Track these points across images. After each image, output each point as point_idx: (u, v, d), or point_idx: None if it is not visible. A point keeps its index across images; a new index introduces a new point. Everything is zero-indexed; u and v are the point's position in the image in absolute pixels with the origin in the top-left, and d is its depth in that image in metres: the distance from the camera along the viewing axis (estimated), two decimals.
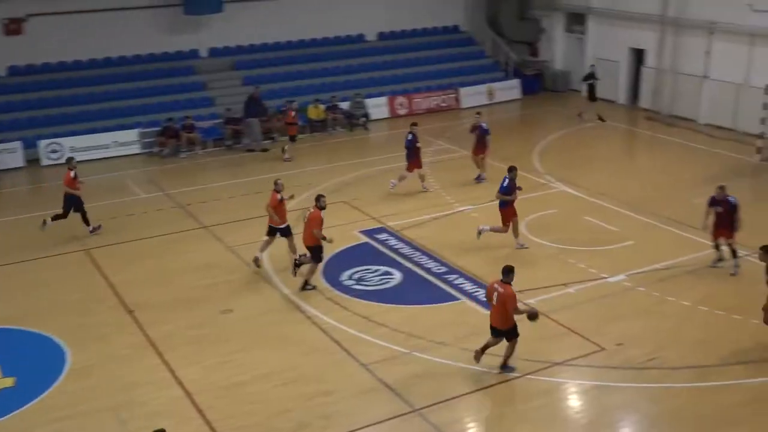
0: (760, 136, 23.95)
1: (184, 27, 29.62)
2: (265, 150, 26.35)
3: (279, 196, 16.80)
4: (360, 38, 33.32)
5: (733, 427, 11.62)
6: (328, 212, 15.51)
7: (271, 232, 16.94)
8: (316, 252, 16.00)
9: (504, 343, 12.88)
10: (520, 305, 12.77)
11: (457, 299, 15.56)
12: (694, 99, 28.43)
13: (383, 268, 16.99)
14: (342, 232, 18.65)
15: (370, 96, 30.17)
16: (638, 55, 30.88)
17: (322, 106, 28.58)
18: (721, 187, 16.32)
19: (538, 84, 34.33)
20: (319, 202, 15.90)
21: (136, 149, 26.43)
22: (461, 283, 16.18)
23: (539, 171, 22.91)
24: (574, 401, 12.55)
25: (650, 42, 29.88)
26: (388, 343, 13.93)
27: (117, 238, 19.02)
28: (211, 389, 12.75)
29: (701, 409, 12.00)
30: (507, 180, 17.49)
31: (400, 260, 17.40)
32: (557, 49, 34.71)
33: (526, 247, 17.66)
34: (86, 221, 19.21)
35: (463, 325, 14.50)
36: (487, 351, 12.95)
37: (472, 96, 31.89)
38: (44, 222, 18.99)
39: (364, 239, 18.61)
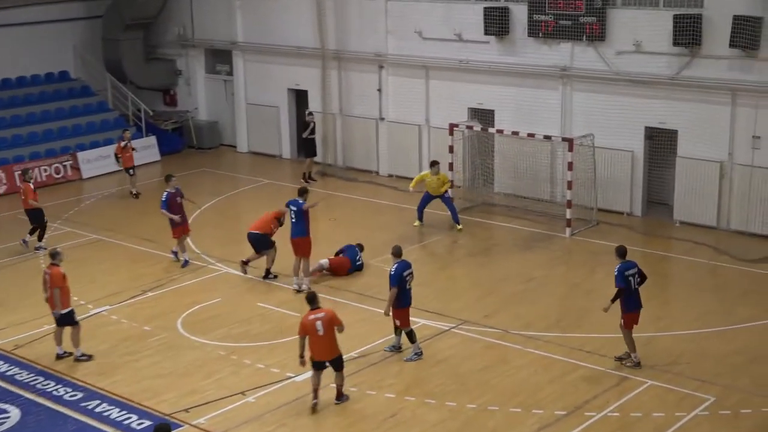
0: (451, 186, 25.82)
1: None
2: None
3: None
4: None
5: None
6: None
7: None
8: (66, 319, 17.70)
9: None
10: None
11: None
12: (371, 146, 30.36)
13: None
14: None
15: None
16: (301, 98, 32.38)
17: None
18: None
19: (180, 140, 34.71)
20: (55, 260, 17.86)
21: None
22: (105, 411, 15.68)
23: (194, 250, 22.94)
24: None
25: (312, 81, 31.49)
26: None
27: None
28: None
29: None
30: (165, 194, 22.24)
31: (17, 391, 16.53)
32: (200, 96, 35.44)
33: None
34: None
35: None
36: None
37: (95, 162, 31.33)
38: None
39: None
